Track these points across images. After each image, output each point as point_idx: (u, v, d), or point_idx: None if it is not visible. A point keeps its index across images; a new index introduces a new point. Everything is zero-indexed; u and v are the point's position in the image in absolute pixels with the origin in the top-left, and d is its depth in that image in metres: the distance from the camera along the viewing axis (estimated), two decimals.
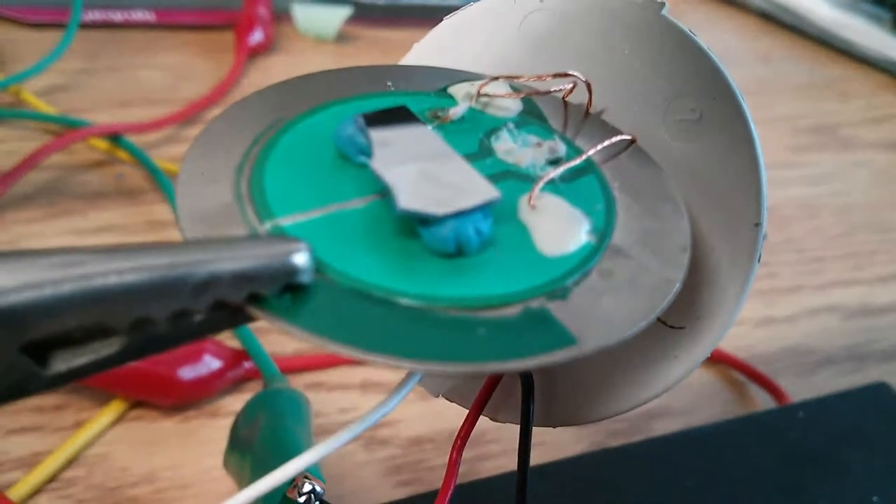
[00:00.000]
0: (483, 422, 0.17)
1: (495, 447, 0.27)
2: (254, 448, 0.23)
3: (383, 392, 0.29)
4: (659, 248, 0.15)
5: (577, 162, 0.16)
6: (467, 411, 0.17)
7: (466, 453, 0.17)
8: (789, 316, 0.35)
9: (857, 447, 0.26)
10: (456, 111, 0.16)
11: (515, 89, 0.17)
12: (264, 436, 0.23)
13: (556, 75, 0.17)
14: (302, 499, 0.19)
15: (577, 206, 0.15)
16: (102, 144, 0.38)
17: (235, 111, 0.16)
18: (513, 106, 0.17)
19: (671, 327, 0.16)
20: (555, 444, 0.27)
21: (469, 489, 0.23)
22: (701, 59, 0.17)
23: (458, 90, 0.17)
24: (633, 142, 0.17)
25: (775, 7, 0.61)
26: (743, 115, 0.16)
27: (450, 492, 0.17)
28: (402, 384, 0.14)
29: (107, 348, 0.12)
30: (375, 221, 0.14)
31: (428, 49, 0.19)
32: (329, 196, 0.14)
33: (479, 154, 0.16)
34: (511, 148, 0.16)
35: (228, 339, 0.29)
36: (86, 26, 0.46)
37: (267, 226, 0.13)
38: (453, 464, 0.17)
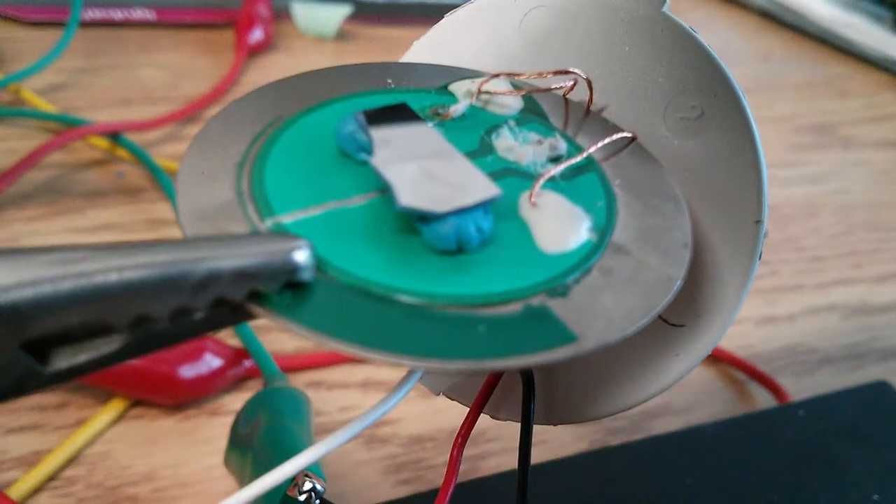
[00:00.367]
0: (484, 420, 0.17)
1: (496, 445, 0.27)
2: (254, 446, 0.23)
3: (384, 390, 0.29)
4: (660, 245, 0.15)
5: (577, 159, 0.16)
6: (468, 409, 0.17)
7: (467, 452, 0.17)
8: (789, 315, 0.35)
9: (857, 446, 0.26)
10: (457, 108, 0.16)
11: (516, 87, 0.17)
12: (265, 434, 0.23)
13: (556, 73, 0.17)
14: (302, 497, 0.19)
15: (577, 204, 0.15)
16: (102, 143, 0.38)
17: (235, 109, 0.16)
18: (513, 103, 0.17)
19: (672, 325, 0.16)
20: (555, 442, 0.27)
21: (470, 488, 0.23)
22: (702, 57, 0.17)
23: (458, 87, 0.17)
24: (633, 139, 0.17)
25: (775, 6, 0.61)
26: (744, 112, 0.16)
27: (450, 490, 0.17)
28: (402, 382, 0.14)
29: (107, 346, 0.12)
30: (376, 219, 0.14)
31: (428, 46, 0.19)
32: (330, 193, 0.14)
33: (480, 151, 0.16)
34: (512, 145, 0.16)
35: (229, 337, 0.29)
36: (85, 25, 0.46)
37: (268, 223, 0.13)
38: (454, 462, 0.17)
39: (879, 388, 0.29)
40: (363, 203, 0.14)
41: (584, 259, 0.14)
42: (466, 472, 0.26)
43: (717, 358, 0.32)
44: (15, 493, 0.24)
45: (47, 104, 0.40)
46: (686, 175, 0.17)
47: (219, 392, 0.28)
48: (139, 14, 0.48)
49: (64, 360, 0.12)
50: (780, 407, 0.29)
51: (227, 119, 0.15)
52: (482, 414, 0.17)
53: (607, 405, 0.17)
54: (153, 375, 0.26)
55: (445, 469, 0.17)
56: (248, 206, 0.14)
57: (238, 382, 0.28)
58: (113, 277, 0.11)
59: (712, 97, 0.17)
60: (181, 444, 0.26)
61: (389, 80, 0.17)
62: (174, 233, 0.34)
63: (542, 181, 0.15)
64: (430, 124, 0.16)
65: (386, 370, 0.29)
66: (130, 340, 0.12)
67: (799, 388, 0.31)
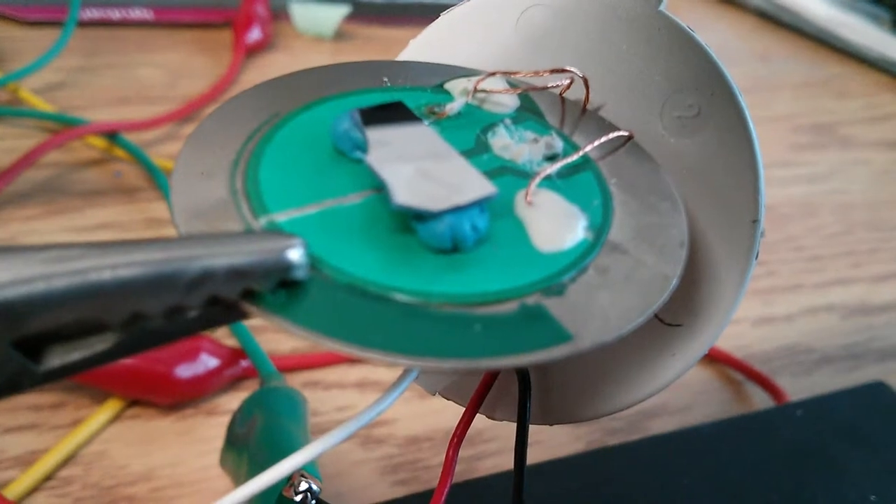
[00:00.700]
0: (480, 420, 0.17)
1: (492, 446, 0.27)
2: (250, 446, 0.23)
3: (380, 390, 0.29)
4: (656, 244, 0.14)
5: (573, 158, 0.16)
6: (464, 409, 0.17)
7: (463, 452, 0.17)
8: (787, 315, 0.35)
9: (854, 446, 0.26)
10: (452, 107, 0.16)
11: (512, 85, 0.17)
12: (261, 434, 0.23)
13: (553, 71, 0.17)
14: (298, 497, 0.19)
15: (573, 203, 0.15)
16: (100, 142, 0.38)
17: (231, 107, 0.16)
18: (510, 102, 0.17)
19: (668, 324, 0.16)
20: (552, 443, 0.27)
21: (466, 488, 0.23)
22: (699, 55, 0.17)
23: (454, 86, 0.17)
24: (630, 138, 0.17)
25: (773, 6, 0.61)
26: (741, 110, 0.16)
27: (446, 490, 0.17)
28: (398, 382, 0.14)
29: (101, 344, 0.12)
30: (371, 217, 0.14)
31: (424, 45, 0.19)
32: (324, 192, 0.14)
33: (476, 150, 0.16)
34: (508, 144, 0.16)
35: (225, 337, 0.29)
36: (83, 24, 0.46)
37: (262, 221, 0.13)
38: (449, 462, 0.17)
39: (877, 388, 0.29)
40: (358, 201, 0.14)
41: (580, 258, 0.14)
42: (463, 472, 0.26)
43: (715, 358, 0.32)
44: (11, 492, 0.24)
45: (45, 103, 0.40)
46: (683, 174, 0.17)
47: (215, 392, 0.28)
48: (137, 14, 0.48)
49: (57, 357, 0.12)
50: (778, 407, 0.29)
51: (223, 117, 0.15)
52: (478, 414, 0.17)
53: (604, 405, 0.17)
54: (150, 375, 0.26)
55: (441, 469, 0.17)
56: (242, 204, 0.14)
57: (234, 382, 0.28)
58: (107, 275, 0.11)
59: (709, 96, 0.16)
60: (178, 444, 0.26)
61: (385, 79, 0.17)
62: (171, 232, 0.34)
63: (538, 180, 0.15)
64: (425, 123, 0.16)
65: (382, 370, 0.29)
66: (124, 338, 0.12)
67: (797, 389, 0.31)
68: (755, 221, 0.16)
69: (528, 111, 0.17)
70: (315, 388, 0.28)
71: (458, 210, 0.13)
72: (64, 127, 0.38)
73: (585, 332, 0.13)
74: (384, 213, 0.14)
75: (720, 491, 0.24)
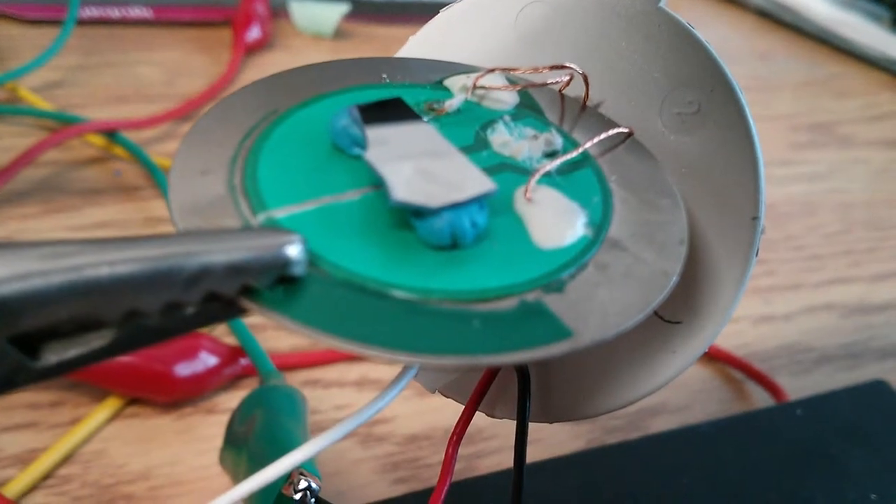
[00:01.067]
0: (480, 419, 0.17)
1: (492, 444, 0.27)
2: (250, 445, 0.23)
3: (379, 389, 0.28)
4: (656, 241, 0.14)
5: (573, 155, 0.16)
6: (463, 407, 0.17)
7: (463, 450, 0.17)
8: (787, 313, 0.35)
9: (854, 445, 0.26)
10: (452, 103, 0.16)
11: (512, 82, 0.17)
12: (260, 433, 0.23)
13: (552, 67, 0.17)
14: (298, 495, 0.19)
15: (573, 199, 0.15)
16: (99, 141, 0.38)
17: (229, 103, 0.15)
18: (509, 98, 0.17)
19: (668, 322, 0.16)
20: (551, 441, 0.27)
21: (465, 486, 0.23)
22: (698, 51, 0.17)
23: (454, 82, 0.17)
24: (630, 134, 0.17)
25: (773, 5, 0.61)
26: (741, 107, 0.16)
27: (445, 488, 0.16)
28: (397, 379, 0.14)
29: (98, 340, 0.12)
30: (370, 213, 0.14)
31: (424, 42, 0.18)
32: (323, 188, 0.14)
33: (475, 146, 0.16)
34: (507, 140, 0.16)
35: (225, 335, 0.29)
36: (82, 23, 0.46)
37: (260, 218, 0.13)
38: (449, 460, 0.17)
39: (877, 387, 0.28)
40: (357, 198, 0.14)
41: (580, 254, 0.14)
42: (462, 470, 0.26)
43: (715, 357, 0.32)
44: (10, 491, 0.24)
45: (44, 102, 0.40)
46: (683, 171, 0.17)
47: (214, 390, 0.28)
48: (136, 12, 0.48)
49: (54, 354, 0.12)
50: (778, 406, 0.29)
51: (221, 114, 0.15)
52: (478, 412, 0.17)
53: (603, 402, 0.17)
54: (149, 373, 0.26)
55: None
56: (240, 200, 0.14)
57: (234, 381, 0.28)
58: (104, 271, 0.11)
59: (709, 92, 0.16)
60: (177, 443, 0.26)
61: (384, 75, 0.17)
62: (171, 231, 0.34)
63: (537, 176, 0.15)
64: (424, 119, 0.16)
65: (381, 368, 0.29)
66: (121, 335, 0.12)
67: (796, 387, 0.31)
68: (755, 218, 0.16)
69: (528, 108, 0.17)
70: (314, 387, 0.28)
71: (457, 206, 0.13)
72: (63, 125, 0.38)
73: (585, 329, 0.13)
74: (383, 210, 0.14)
75: (720, 490, 0.24)
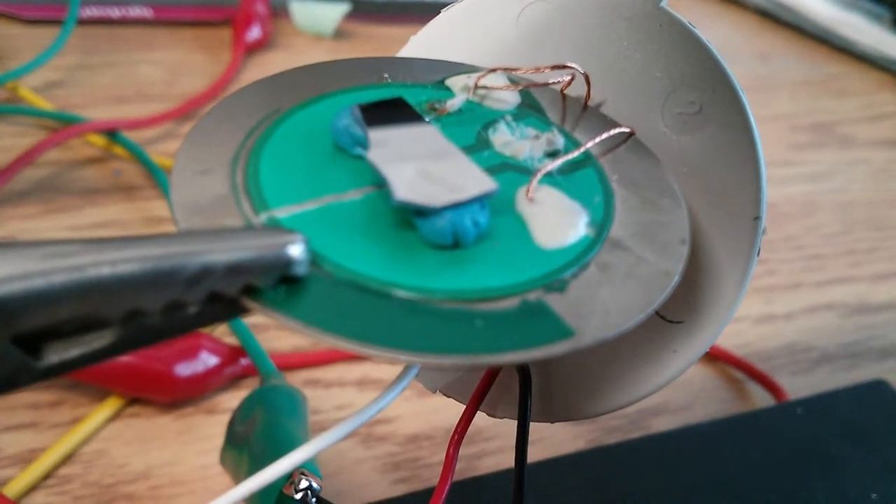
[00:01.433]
0: (481, 418, 0.17)
1: (493, 444, 0.27)
2: (251, 444, 0.23)
3: (381, 389, 0.29)
4: (657, 240, 0.14)
5: (575, 154, 0.16)
6: (464, 407, 0.17)
7: (464, 451, 0.17)
8: (788, 313, 0.35)
9: (855, 444, 0.26)
10: (453, 103, 0.16)
11: (513, 81, 0.17)
12: (261, 432, 0.23)
13: (554, 67, 0.17)
14: (298, 495, 0.19)
15: (575, 199, 0.15)
16: (99, 141, 0.38)
17: (230, 103, 0.15)
18: (511, 98, 0.17)
19: (669, 321, 0.16)
20: (552, 441, 0.27)
21: (466, 486, 0.23)
22: (700, 51, 0.17)
23: (455, 82, 0.17)
24: (631, 134, 0.17)
25: (774, 4, 0.61)
26: (742, 107, 0.16)
27: (446, 488, 0.16)
28: (398, 378, 0.14)
29: (99, 340, 0.12)
30: (372, 213, 0.14)
31: (425, 42, 0.18)
32: (325, 187, 0.14)
33: (477, 146, 0.16)
34: (509, 140, 0.16)
35: (226, 335, 0.29)
36: (83, 22, 0.46)
37: (262, 217, 0.13)
38: (450, 460, 0.17)
39: (877, 386, 0.28)
40: (359, 198, 0.14)
41: (582, 254, 0.14)
42: (464, 470, 0.26)
43: (715, 356, 0.32)
44: (10, 491, 0.24)
45: (44, 102, 0.40)
46: (684, 171, 0.17)
47: (215, 390, 0.28)
48: (136, 12, 0.48)
49: (55, 354, 0.12)
50: (778, 405, 0.29)
51: (222, 113, 0.15)
52: (479, 412, 0.17)
53: (604, 402, 0.17)
54: (149, 373, 0.26)
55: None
56: (242, 200, 0.14)
57: (234, 380, 0.28)
58: (105, 271, 0.11)
59: (711, 92, 0.16)
60: (177, 443, 0.26)
61: (386, 75, 0.17)
62: (171, 230, 0.34)
63: (539, 176, 0.15)
64: (426, 119, 0.16)
65: (383, 368, 0.29)
66: (123, 335, 0.12)
67: (797, 387, 0.31)
68: (757, 218, 0.16)
69: (529, 108, 0.17)
70: (315, 387, 0.28)
71: (458, 206, 0.13)
72: (63, 125, 0.38)
73: (586, 329, 0.13)
74: (385, 210, 0.14)
75: (720, 489, 0.24)
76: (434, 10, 0.19)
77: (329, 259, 0.13)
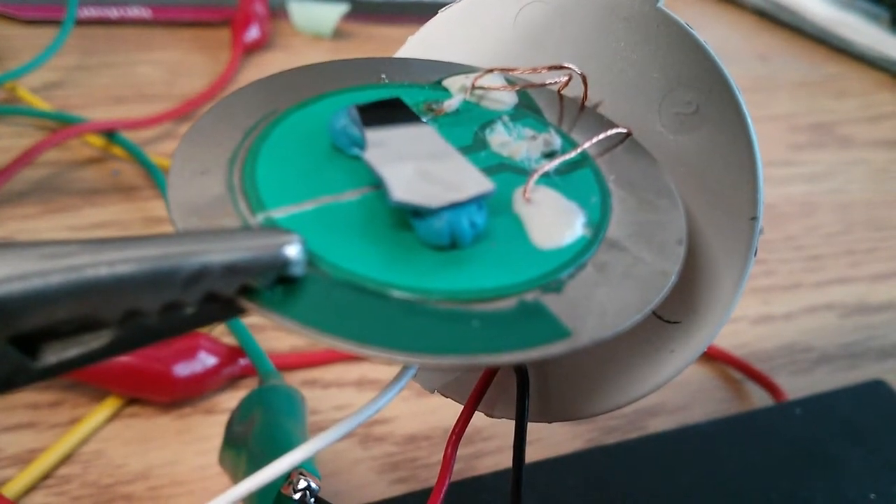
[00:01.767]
0: (479, 419, 0.17)
1: (491, 444, 0.27)
2: (249, 444, 0.23)
3: (379, 389, 0.29)
4: (654, 241, 0.14)
5: (572, 155, 0.16)
6: (462, 407, 0.17)
7: (462, 451, 0.17)
8: (787, 313, 0.35)
9: (854, 444, 0.26)
10: (450, 104, 0.16)
11: (510, 82, 0.17)
12: (259, 433, 0.23)
13: (551, 68, 0.17)
14: (297, 495, 0.19)
15: (572, 199, 0.15)
16: (98, 141, 0.38)
17: (228, 103, 0.15)
18: (508, 99, 0.17)
19: (667, 322, 0.16)
20: (550, 441, 0.27)
21: (464, 486, 0.23)
22: (697, 52, 0.17)
23: (452, 83, 0.17)
24: (628, 135, 0.17)
25: (772, 5, 0.61)
26: (739, 107, 0.16)
27: (444, 488, 0.17)
28: (396, 379, 0.14)
29: (97, 340, 0.12)
30: (369, 214, 0.14)
31: (423, 42, 0.18)
32: (322, 188, 0.14)
33: (474, 147, 0.16)
34: (506, 141, 0.16)
35: (224, 335, 0.29)
36: (81, 23, 0.46)
37: (259, 218, 0.13)
38: (448, 460, 0.17)
39: (876, 386, 0.28)
40: (356, 198, 0.14)
41: (579, 255, 0.14)
42: (461, 470, 0.26)
43: (714, 356, 0.32)
44: (9, 491, 0.24)
45: (43, 102, 0.40)
46: (681, 171, 0.17)
47: (214, 390, 0.28)
48: (135, 12, 0.48)
49: (53, 354, 0.12)
50: (777, 406, 0.29)
51: (220, 114, 0.15)
52: (477, 412, 0.17)
53: (602, 402, 0.17)
54: (148, 373, 0.26)
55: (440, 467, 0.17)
56: (239, 200, 0.14)
57: (233, 381, 0.28)
58: (103, 271, 0.11)
59: (708, 92, 0.16)
60: (176, 443, 0.26)
61: (383, 75, 0.17)
62: (169, 230, 0.34)
63: (536, 177, 0.15)
64: (423, 119, 0.16)
65: (381, 369, 0.29)
66: (120, 335, 0.12)
67: (796, 387, 0.31)
68: (754, 219, 0.16)
69: (527, 108, 0.17)
70: (314, 387, 0.28)
71: (456, 207, 0.13)
72: (62, 125, 0.38)
73: (584, 329, 0.13)
74: (382, 210, 0.14)
75: (719, 489, 0.24)
76: (432, 11, 0.19)
77: (326, 259, 0.13)
